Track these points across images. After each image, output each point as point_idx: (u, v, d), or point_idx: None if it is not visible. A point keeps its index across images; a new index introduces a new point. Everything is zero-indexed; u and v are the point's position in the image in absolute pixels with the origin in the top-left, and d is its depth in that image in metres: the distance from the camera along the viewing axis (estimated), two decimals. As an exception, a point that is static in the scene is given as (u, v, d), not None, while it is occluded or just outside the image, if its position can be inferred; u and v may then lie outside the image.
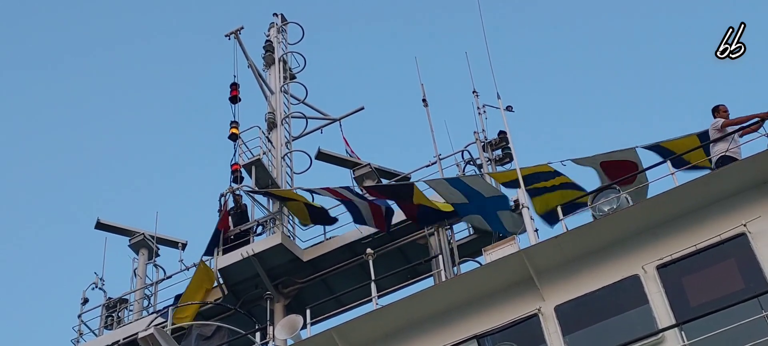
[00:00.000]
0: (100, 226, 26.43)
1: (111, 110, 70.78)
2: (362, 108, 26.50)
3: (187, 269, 24.85)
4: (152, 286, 25.40)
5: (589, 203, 17.61)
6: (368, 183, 22.91)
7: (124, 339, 22.98)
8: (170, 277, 25.48)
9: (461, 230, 22.46)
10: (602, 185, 19.54)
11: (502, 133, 22.85)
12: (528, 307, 16.59)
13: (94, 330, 24.31)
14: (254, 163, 23.75)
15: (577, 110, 64.07)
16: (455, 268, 20.75)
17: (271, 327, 19.63)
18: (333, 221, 22.82)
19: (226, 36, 27.20)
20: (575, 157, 20.84)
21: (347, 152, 24.90)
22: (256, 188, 23.53)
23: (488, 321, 16.71)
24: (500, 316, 16.70)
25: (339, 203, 22.28)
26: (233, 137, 24.63)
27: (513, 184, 20.17)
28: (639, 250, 16.37)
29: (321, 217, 22.87)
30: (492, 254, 17.29)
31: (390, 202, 21.70)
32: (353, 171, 23.87)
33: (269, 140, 25.57)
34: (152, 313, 23.84)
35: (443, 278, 19.11)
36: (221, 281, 22.60)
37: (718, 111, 18.81)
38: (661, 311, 15.58)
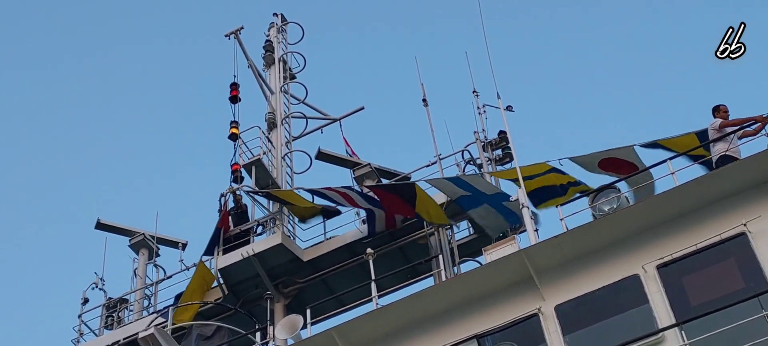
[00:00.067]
0: (100, 226, 26.43)
1: (111, 110, 70.88)
2: (362, 108, 26.54)
3: (187, 269, 24.87)
4: (152, 286, 25.41)
5: (589, 203, 17.62)
6: (368, 183, 22.91)
7: (124, 339, 22.97)
8: (170, 277, 25.52)
9: (461, 230, 22.52)
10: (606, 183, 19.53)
11: (502, 133, 22.87)
12: (528, 307, 16.59)
13: (95, 330, 24.31)
14: (254, 163, 23.74)
15: (577, 110, 64.16)
16: (455, 268, 20.77)
17: (272, 327, 19.63)
18: (335, 213, 22.78)
19: (226, 36, 27.19)
20: (573, 156, 20.90)
21: (347, 152, 24.90)
22: (256, 188, 23.53)
23: (488, 321, 16.72)
24: (500, 316, 16.71)
25: (348, 207, 22.22)
26: (233, 137, 24.62)
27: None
28: (639, 249, 16.38)
29: (323, 213, 22.92)
30: (492, 254, 17.29)
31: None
32: (353, 171, 23.87)
33: (269, 140, 25.57)
34: (152, 313, 23.84)
35: (443, 278, 19.10)
36: (221, 281, 22.60)
37: (718, 111, 18.82)
38: (662, 311, 15.58)
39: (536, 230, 17.92)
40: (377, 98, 69.51)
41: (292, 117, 26.66)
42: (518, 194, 18.78)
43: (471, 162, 22.78)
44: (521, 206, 18.22)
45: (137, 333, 20.14)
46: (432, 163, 22.77)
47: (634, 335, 15.41)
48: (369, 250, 19.44)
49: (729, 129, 18.24)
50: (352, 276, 21.83)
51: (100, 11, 72.15)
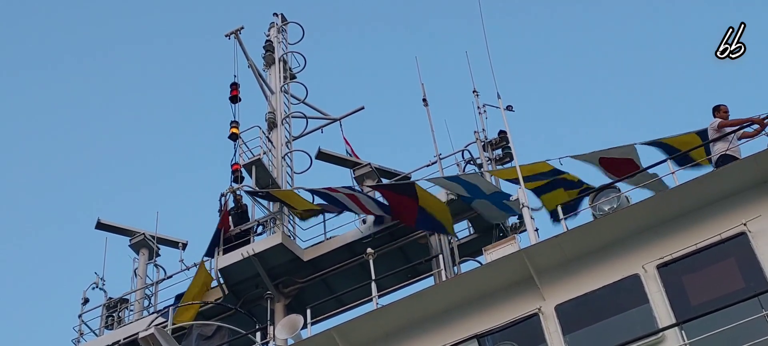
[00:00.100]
0: (100, 226, 26.42)
1: (111, 111, 70.87)
2: (362, 108, 26.53)
3: (188, 269, 24.86)
4: (153, 286, 25.41)
5: (589, 203, 17.62)
6: (368, 183, 22.91)
7: (124, 339, 22.96)
8: (171, 277, 25.49)
9: (461, 230, 22.52)
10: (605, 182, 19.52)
11: (503, 133, 22.87)
12: (528, 306, 16.60)
13: (95, 330, 24.29)
14: (254, 163, 23.74)
15: (577, 110, 64.15)
16: (455, 267, 20.78)
17: (272, 327, 19.65)
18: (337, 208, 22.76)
19: (226, 36, 27.19)
20: (574, 154, 20.90)
21: (347, 152, 24.90)
22: (257, 188, 23.52)
23: (488, 321, 16.72)
24: (500, 315, 16.71)
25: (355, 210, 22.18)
26: (233, 137, 24.62)
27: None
28: (639, 249, 16.38)
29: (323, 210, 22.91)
30: (492, 254, 17.30)
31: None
32: (353, 171, 23.86)
33: (269, 140, 25.56)
34: (153, 313, 23.84)
35: (443, 278, 19.10)
36: (222, 281, 22.60)
37: (718, 111, 18.82)
38: (662, 311, 15.58)
39: (536, 230, 17.92)
40: (377, 98, 69.55)
41: (293, 117, 26.66)
42: (518, 193, 18.80)
43: (471, 162, 22.78)
44: (521, 206, 18.23)
45: (137, 333, 20.15)
46: (432, 163, 22.78)
47: (634, 334, 15.42)
48: (369, 250, 19.45)
49: (728, 129, 18.24)
50: (353, 276, 21.82)
51: (100, 11, 72.23)
